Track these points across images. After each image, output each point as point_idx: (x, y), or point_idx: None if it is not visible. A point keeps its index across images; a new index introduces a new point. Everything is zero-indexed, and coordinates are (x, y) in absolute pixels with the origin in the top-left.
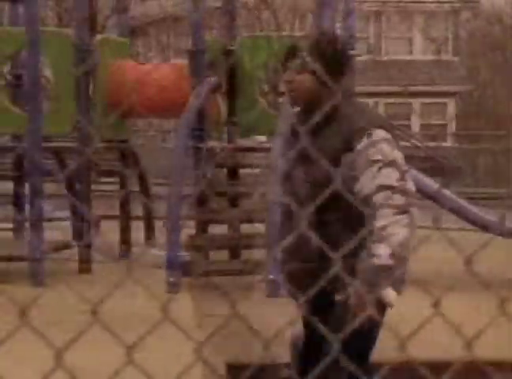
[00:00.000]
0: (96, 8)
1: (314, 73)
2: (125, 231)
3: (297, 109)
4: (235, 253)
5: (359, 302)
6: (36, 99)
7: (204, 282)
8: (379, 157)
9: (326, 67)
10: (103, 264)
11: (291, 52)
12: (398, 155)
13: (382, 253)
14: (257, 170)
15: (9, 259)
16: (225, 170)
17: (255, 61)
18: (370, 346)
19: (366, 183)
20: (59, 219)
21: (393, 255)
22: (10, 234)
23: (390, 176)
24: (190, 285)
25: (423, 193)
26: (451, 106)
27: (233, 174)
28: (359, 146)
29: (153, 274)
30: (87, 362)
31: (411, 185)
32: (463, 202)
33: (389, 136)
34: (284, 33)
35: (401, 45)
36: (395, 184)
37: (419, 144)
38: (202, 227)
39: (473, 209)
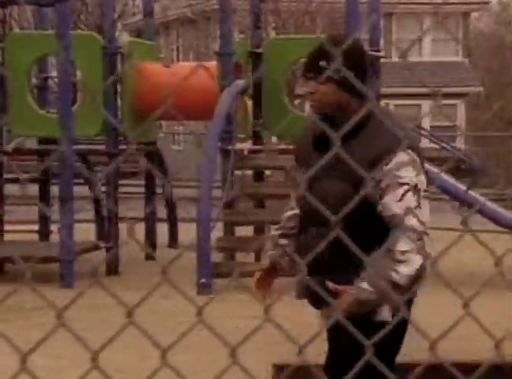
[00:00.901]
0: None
1: (338, 82)
2: (150, 233)
3: (318, 119)
4: (260, 255)
5: (350, 297)
6: (68, 102)
7: (234, 283)
8: (406, 181)
9: (352, 75)
10: (129, 265)
11: (312, 61)
12: (421, 181)
13: (403, 272)
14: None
15: (42, 260)
16: (251, 172)
17: (281, 64)
18: (397, 347)
19: (391, 204)
20: (84, 221)
21: (411, 278)
22: (34, 235)
23: (411, 202)
24: (220, 287)
25: (451, 194)
26: (461, 108)
27: (259, 175)
28: (386, 167)
29: (181, 275)
30: (123, 363)
31: (425, 214)
32: (491, 204)
33: (415, 157)
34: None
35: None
36: (415, 211)
37: (447, 146)
38: (230, 228)
39: (501, 211)
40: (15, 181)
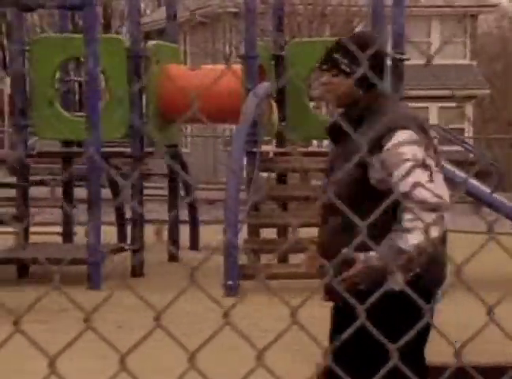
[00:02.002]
0: (110, 15)
1: (349, 75)
2: (174, 235)
3: (338, 111)
4: (283, 257)
5: (360, 269)
6: (96, 105)
7: (257, 285)
8: (410, 156)
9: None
10: (153, 267)
11: (328, 54)
12: (429, 156)
13: (410, 241)
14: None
15: (69, 262)
16: (274, 175)
17: (304, 67)
18: (421, 347)
19: (399, 183)
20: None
21: (419, 247)
22: (57, 237)
23: (420, 176)
24: (246, 288)
25: (475, 197)
26: (469, 111)
27: (282, 178)
28: (389, 145)
29: (205, 277)
30: (151, 365)
31: (439, 187)
32: None
33: (416, 137)
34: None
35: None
36: (426, 184)
37: (470, 148)
38: (255, 230)
39: None
40: (39, 183)
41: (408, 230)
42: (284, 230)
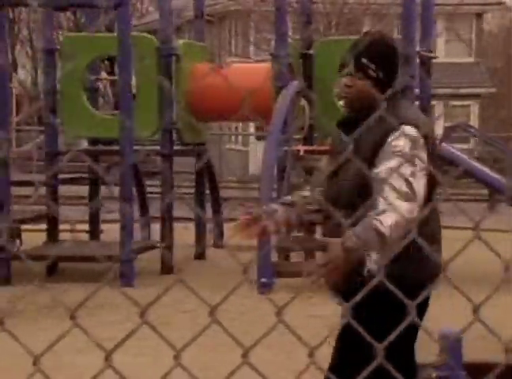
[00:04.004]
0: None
1: (373, 79)
2: (201, 233)
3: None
4: (311, 255)
5: (343, 250)
6: (129, 103)
7: (288, 282)
8: (398, 149)
9: (386, 72)
10: (181, 264)
11: (356, 57)
12: (419, 156)
13: (384, 219)
14: None
15: (103, 260)
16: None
17: (332, 65)
18: (409, 346)
19: (381, 171)
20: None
21: (393, 227)
22: (82, 235)
23: (403, 169)
24: (280, 286)
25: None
26: (475, 109)
27: (311, 176)
28: (387, 140)
29: (233, 275)
30: (203, 360)
31: (418, 186)
32: None
33: (415, 134)
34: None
35: None
36: (406, 176)
37: (499, 146)
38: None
39: None
40: (67, 181)
41: (383, 212)
42: (313, 229)
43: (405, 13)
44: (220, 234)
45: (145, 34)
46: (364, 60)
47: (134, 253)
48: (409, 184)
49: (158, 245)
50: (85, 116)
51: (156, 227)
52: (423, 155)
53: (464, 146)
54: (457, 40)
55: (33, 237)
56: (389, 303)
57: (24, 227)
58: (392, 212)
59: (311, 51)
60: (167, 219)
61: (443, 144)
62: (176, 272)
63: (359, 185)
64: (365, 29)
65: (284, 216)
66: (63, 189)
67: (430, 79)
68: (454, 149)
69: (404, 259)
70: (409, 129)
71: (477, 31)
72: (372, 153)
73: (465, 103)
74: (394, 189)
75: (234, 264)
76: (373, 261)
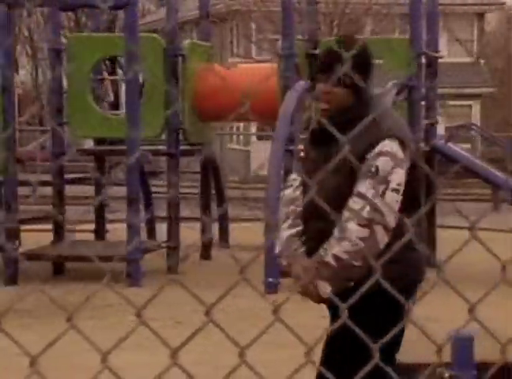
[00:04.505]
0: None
1: (349, 86)
2: (206, 232)
3: (319, 117)
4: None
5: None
6: (136, 103)
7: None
8: (373, 169)
9: (362, 78)
10: (186, 264)
11: (328, 64)
12: (395, 173)
13: (330, 250)
14: None
15: (109, 259)
16: None
17: None
18: (394, 348)
19: (354, 190)
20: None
21: (337, 258)
22: (88, 234)
23: (371, 189)
24: (286, 286)
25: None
26: (476, 109)
27: None
28: (368, 155)
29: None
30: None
31: (387, 205)
32: None
33: (396, 150)
34: (366, 37)
35: None
36: (371, 198)
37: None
38: None
39: None
40: (73, 181)
41: (334, 238)
42: None
43: (412, 13)
44: (226, 234)
45: (152, 34)
46: (337, 66)
47: (141, 253)
48: (373, 206)
49: (164, 245)
50: (92, 116)
51: (159, 227)
52: (401, 170)
53: (465, 146)
54: (459, 40)
55: (35, 237)
56: (373, 305)
57: (25, 227)
58: (340, 240)
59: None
60: (174, 220)
61: (449, 144)
62: (181, 272)
63: (337, 198)
64: (366, 29)
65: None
66: (68, 189)
67: (436, 79)
68: (459, 149)
69: (387, 264)
70: (389, 145)
71: (478, 31)
72: (351, 168)
73: (466, 103)
74: (354, 213)
75: (239, 264)
76: (323, 289)
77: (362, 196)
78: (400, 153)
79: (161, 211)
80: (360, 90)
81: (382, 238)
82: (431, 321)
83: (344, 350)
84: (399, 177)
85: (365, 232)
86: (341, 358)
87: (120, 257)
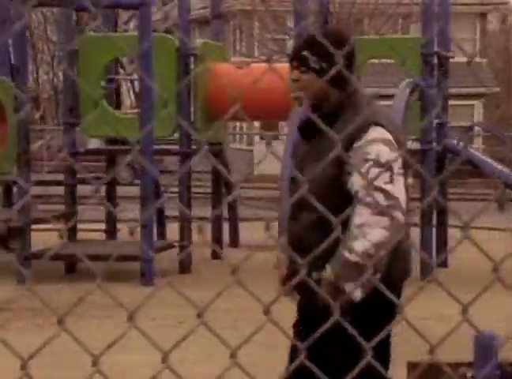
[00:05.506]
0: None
1: (318, 72)
2: (217, 233)
3: (303, 109)
4: None
5: (330, 289)
6: (149, 103)
7: None
8: (373, 157)
9: (330, 64)
10: (198, 264)
11: (297, 50)
12: (393, 157)
13: (355, 249)
14: None
15: (122, 259)
16: None
17: None
18: (386, 359)
19: (355, 180)
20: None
21: (366, 254)
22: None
23: (379, 177)
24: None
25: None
26: (478, 108)
27: None
28: (357, 144)
29: (250, 276)
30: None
31: (398, 190)
32: None
33: (387, 135)
34: (376, 37)
35: None
36: (381, 185)
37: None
38: None
39: None
40: (83, 181)
41: (356, 238)
42: None
43: (424, 13)
44: (236, 234)
45: (165, 34)
46: (305, 52)
47: (153, 253)
48: (387, 193)
49: (176, 244)
50: (104, 116)
51: (169, 226)
52: (394, 155)
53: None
54: (461, 40)
55: (45, 237)
56: (369, 304)
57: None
58: (362, 236)
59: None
60: (186, 219)
61: (461, 144)
62: (193, 271)
63: (325, 191)
64: (371, 29)
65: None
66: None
67: (447, 78)
68: (471, 148)
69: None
70: (379, 132)
71: (481, 31)
72: (338, 159)
73: (469, 102)
74: (369, 205)
75: (250, 264)
76: (357, 291)
77: (371, 184)
78: (390, 137)
79: (171, 210)
80: (340, 80)
81: (402, 222)
82: (445, 321)
83: (332, 349)
84: (397, 160)
85: (386, 221)
86: (328, 358)
87: (134, 256)
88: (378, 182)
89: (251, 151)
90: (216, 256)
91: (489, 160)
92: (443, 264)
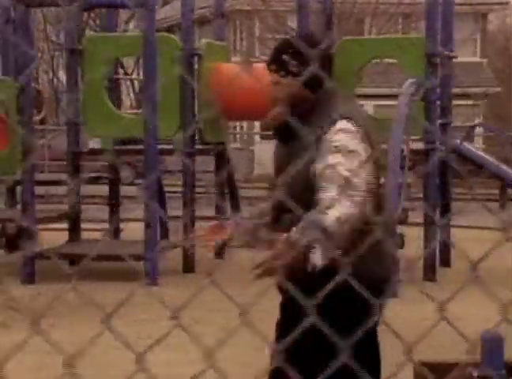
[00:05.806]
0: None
1: (297, 76)
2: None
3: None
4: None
5: (288, 247)
6: (153, 103)
7: None
8: (337, 144)
9: (305, 69)
10: (200, 263)
11: (276, 54)
12: (361, 148)
13: (329, 215)
14: None
15: (127, 258)
16: None
17: (351, 64)
18: (374, 355)
19: (319, 167)
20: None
21: (337, 222)
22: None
23: (340, 162)
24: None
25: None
26: (480, 108)
27: None
28: (326, 136)
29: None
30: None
31: (359, 182)
32: None
33: (354, 128)
34: (380, 37)
35: None
36: (342, 172)
37: None
38: None
39: None
40: (88, 181)
41: (327, 207)
42: None
43: (428, 12)
44: None
45: (167, 34)
46: (285, 56)
47: (158, 252)
48: (348, 181)
49: (180, 244)
50: (108, 115)
51: (173, 226)
52: (362, 145)
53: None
54: (462, 40)
55: (50, 236)
56: (350, 301)
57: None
58: (335, 207)
59: (332, 51)
60: (190, 218)
61: (464, 143)
62: (197, 270)
63: (303, 188)
64: (371, 28)
65: (250, 228)
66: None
67: (451, 78)
68: (473, 147)
69: (359, 259)
70: (345, 124)
71: (481, 31)
72: (312, 160)
73: (471, 102)
74: (334, 185)
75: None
76: (318, 257)
77: (332, 166)
78: (359, 131)
79: (173, 210)
80: (315, 82)
81: (359, 214)
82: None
83: (308, 347)
84: (365, 149)
85: (346, 201)
86: (304, 356)
87: (137, 255)
88: (341, 170)
89: (252, 151)
90: (218, 255)
91: (490, 159)
92: (446, 263)
